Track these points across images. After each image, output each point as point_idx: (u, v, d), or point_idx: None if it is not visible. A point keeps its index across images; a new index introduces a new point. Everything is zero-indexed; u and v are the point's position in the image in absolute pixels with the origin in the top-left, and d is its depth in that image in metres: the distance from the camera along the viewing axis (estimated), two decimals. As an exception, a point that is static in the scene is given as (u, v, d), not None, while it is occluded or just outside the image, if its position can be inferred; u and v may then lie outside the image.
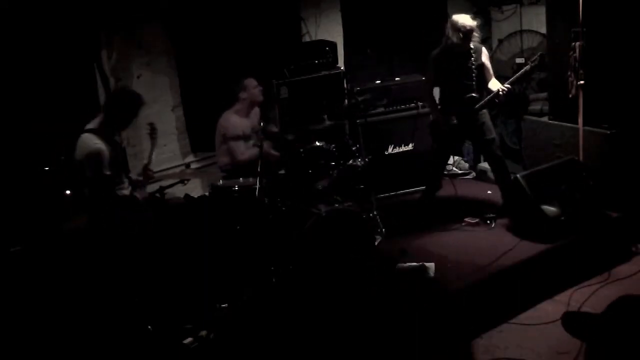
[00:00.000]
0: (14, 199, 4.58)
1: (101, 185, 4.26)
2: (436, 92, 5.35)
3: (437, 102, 5.28)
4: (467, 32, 4.87)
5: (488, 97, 4.99)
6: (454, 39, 4.92)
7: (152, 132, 4.67)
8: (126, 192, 4.53)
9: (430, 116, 5.52)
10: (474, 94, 4.99)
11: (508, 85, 4.87)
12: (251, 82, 5.42)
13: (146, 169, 4.68)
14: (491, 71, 5.11)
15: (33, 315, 4.03)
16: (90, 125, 4.35)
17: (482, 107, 5.03)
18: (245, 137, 5.40)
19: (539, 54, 4.96)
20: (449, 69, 5.01)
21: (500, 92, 4.86)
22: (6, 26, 4.78)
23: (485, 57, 5.06)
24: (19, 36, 4.86)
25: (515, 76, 4.95)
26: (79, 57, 5.27)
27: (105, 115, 4.39)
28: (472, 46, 4.96)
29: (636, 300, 3.73)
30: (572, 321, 4.04)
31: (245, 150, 5.37)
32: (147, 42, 5.70)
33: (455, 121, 5.04)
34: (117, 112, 4.39)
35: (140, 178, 4.70)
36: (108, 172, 4.27)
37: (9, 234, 4.36)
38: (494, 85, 5.00)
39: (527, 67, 4.86)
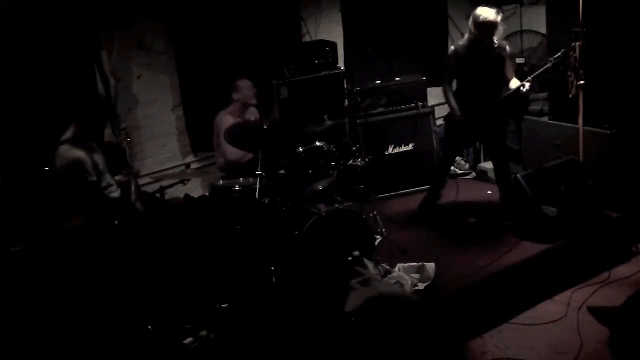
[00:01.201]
0: (14, 198, 4.58)
1: (89, 191, 4.27)
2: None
3: (454, 94, 5.15)
4: (485, 26, 4.76)
5: (509, 91, 4.91)
6: (475, 33, 4.82)
7: (125, 136, 4.70)
8: (116, 194, 4.53)
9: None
10: (493, 90, 4.94)
11: (530, 82, 4.78)
12: (243, 83, 5.41)
13: (128, 167, 4.69)
14: (512, 67, 5.02)
15: (33, 315, 4.03)
16: (65, 136, 4.37)
17: (502, 101, 4.96)
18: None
19: (562, 50, 4.93)
20: (471, 63, 4.92)
21: (523, 88, 4.78)
22: (6, 26, 4.78)
23: (507, 54, 4.96)
24: (19, 36, 4.86)
25: (538, 71, 4.89)
26: (79, 57, 5.27)
27: (78, 124, 4.40)
28: (495, 41, 4.84)
29: None
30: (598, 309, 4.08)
31: (236, 151, 5.34)
32: (147, 42, 5.70)
33: (469, 116, 4.97)
34: (86, 121, 4.41)
35: (125, 178, 4.70)
36: (94, 178, 4.30)
37: (9, 234, 4.36)
38: (514, 83, 4.90)
39: (550, 63, 4.83)
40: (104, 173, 4.49)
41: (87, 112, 4.44)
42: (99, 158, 4.48)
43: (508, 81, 4.96)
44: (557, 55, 4.86)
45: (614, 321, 3.97)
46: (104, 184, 4.47)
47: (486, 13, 4.80)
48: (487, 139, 5.43)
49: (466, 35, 4.98)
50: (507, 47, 5.01)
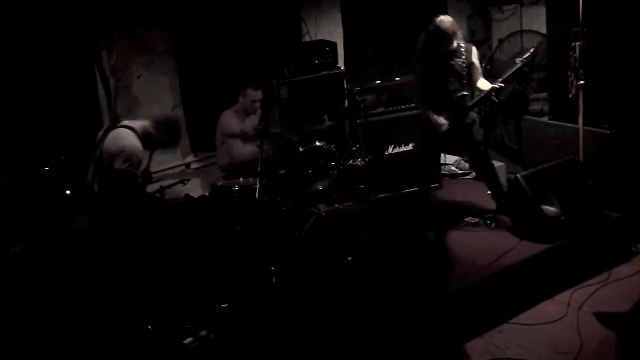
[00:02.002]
0: (14, 199, 4.58)
1: (127, 182, 4.20)
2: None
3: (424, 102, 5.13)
4: (450, 34, 4.79)
5: (480, 95, 4.94)
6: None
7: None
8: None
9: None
10: (465, 92, 4.96)
11: (501, 84, 4.80)
12: (252, 93, 5.36)
13: (145, 171, 4.65)
14: (480, 70, 5.05)
15: (33, 315, 4.03)
16: (130, 123, 4.26)
17: (475, 105, 4.99)
18: (243, 136, 5.38)
19: (531, 50, 4.94)
20: (441, 69, 4.93)
21: (494, 91, 4.80)
22: (6, 26, 4.79)
23: (475, 57, 5.00)
24: (19, 36, 4.86)
25: (507, 73, 4.88)
26: (79, 57, 5.28)
27: (151, 129, 4.30)
28: (462, 45, 4.88)
29: None
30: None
31: (243, 149, 5.35)
32: (147, 42, 5.71)
33: (447, 124, 4.96)
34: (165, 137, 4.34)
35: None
36: (139, 173, 4.24)
37: (9, 234, 4.36)
38: (484, 84, 4.93)
39: (519, 64, 4.83)
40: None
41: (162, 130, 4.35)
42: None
43: (475, 83, 4.97)
44: (525, 56, 4.85)
45: (621, 327, 3.97)
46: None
47: (447, 22, 4.82)
48: (462, 141, 5.31)
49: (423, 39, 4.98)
50: (474, 49, 5.01)
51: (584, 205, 4.89)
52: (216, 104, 5.63)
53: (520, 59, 4.87)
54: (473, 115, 5.09)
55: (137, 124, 4.28)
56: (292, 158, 4.89)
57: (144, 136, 4.23)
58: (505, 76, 4.87)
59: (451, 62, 4.89)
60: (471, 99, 5.04)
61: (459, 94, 4.95)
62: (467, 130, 5.08)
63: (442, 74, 4.93)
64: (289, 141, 5.19)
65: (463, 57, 4.88)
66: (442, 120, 4.96)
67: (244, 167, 5.15)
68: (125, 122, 4.29)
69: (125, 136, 4.17)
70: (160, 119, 4.43)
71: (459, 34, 4.91)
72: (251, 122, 5.43)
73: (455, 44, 4.85)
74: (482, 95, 4.92)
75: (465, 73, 4.91)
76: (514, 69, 4.86)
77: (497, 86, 4.80)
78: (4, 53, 4.82)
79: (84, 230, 4.32)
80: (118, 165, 4.10)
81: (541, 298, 4.46)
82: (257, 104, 5.41)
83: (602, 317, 4.17)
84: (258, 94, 5.39)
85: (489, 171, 5.23)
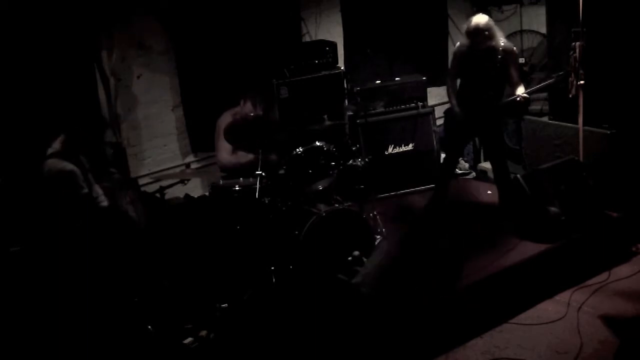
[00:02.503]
0: (14, 198, 4.57)
1: (83, 203, 4.21)
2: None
3: (457, 92, 5.13)
4: (469, 33, 4.77)
5: (506, 100, 4.90)
6: (469, 40, 4.83)
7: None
8: (105, 204, 4.47)
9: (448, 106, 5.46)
10: (490, 93, 4.92)
11: (526, 95, 4.74)
12: (253, 101, 5.33)
13: (110, 173, 4.64)
14: (515, 74, 4.88)
15: (33, 315, 4.03)
16: (51, 150, 4.24)
17: (500, 108, 4.95)
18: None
19: (565, 70, 4.95)
20: (471, 65, 4.92)
21: (519, 99, 4.74)
22: (6, 26, 4.78)
23: (512, 59, 4.87)
24: (19, 36, 4.86)
25: (537, 86, 4.97)
26: (79, 57, 5.27)
27: (68, 135, 4.27)
28: (501, 45, 4.80)
29: None
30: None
31: (229, 158, 5.35)
32: (147, 42, 5.70)
33: (468, 114, 4.98)
34: (72, 136, 4.28)
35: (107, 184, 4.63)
36: (86, 190, 4.23)
37: (9, 234, 4.36)
38: (519, 89, 4.80)
39: (552, 80, 4.89)
40: (93, 185, 4.43)
41: (73, 127, 4.30)
42: (85, 170, 4.36)
43: (513, 84, 4.86)
44: (560, 74, 4.88)
45: (627, 333, 3.97)
46: (94, 194, 4.41)
47: (470, 21, 4.81)
48: (483, 139, 5.45)
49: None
50: (514, 49, 4.93)
51: (584, 205, 4.89)
52: (216, 104, 5.63)
53: (555, 76, 4.93)
54: (497, 117, 5.06)
55: (56, 143, 4.26)
56: (292, 158, 4.88)
57: (67, 148, 4.23)
58: (533, 89, 4.91)
59: (483, 62, 4.84)
60: (499, 101, 4.97)
61: (484, 95, 4.93)
62: (489, 129, 5.08)
63: (471, 71, 4.94)
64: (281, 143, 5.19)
65: (499, 57, 4.80)
66: (458, 110, 5.00)
67: (244, 168, 5.15)
68: (49, 151, 4.25)
69: (50, 167, 4.17)
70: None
71: (497, 35, 4.81)
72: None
73: (489, 45, 4.77)
74: (507, 100, 4.90)
75: (494, 74, 4.84)
76: (544, 84, 4.93)
77: (523, 95, 4.72)
78: (4, 53, 4.82)
79: (84, 230, 4.32)
80: (62, 196, 4.17)
81: (541, 298, 4.46)
82: (252, 115, 5.40)
83: (602, 317, 4.18)
84: (254, 106, 5.37)
85: (503, 173, 5.18)
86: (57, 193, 4.20)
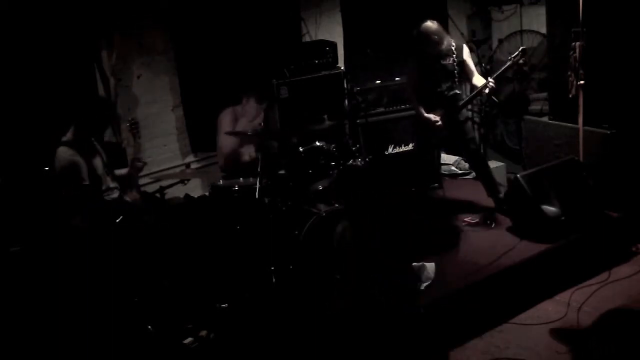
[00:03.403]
0: (14, 199, 4.58)
1: (82, 195, 4.25)
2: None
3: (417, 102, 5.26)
4: (422, 39, 5.00)
5: (473, 92, 5.06)
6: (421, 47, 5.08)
7: (133, 127, 4.60)
8: (115, 195, 4.50)
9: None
10: (457, 91, 5.09)
11: (492, 81, 4.88)
12: (252, 100, 5.39)
13: (134, 160, 4.61)
14: (472, 67, 5.16)
15: (33, 315, 4.03)
16: (64, 138, 4.33)
17: (467, 102, 5.15)
18: (239, 135, 5.37)
19: (520, 48, 5.05)
20: (429, 69, 5.08)
21: (486, 90, 4.89)
22: (6, 26, 4.78)
23: (466, 54, 5.12)
24: (19, 36, 4.86)
25: (499, 71, 5.05)
26: (79, 57, 5.27)
27: (76, 124, 4.35)
28: (453, 44, 5.04)
29: None
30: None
31: (232, 144, 5.34)
32: (147, 42, 5.70)
33: (439, 120, 5.07)
34: (86, 119, 4.36)
35: (125, 172, 4.62)
36: (86, 182, 4.27)
37: (9, 234, 4.36)
38: (478, 80, 5.03)
39: (510, 62, 4.98)
40: (103, 176, 4.46)
41: (87, 113, 4.40)
42: (98, 161, 4.43)
43: (471, 79, 5.08)
44: (515, 54, 4.98)
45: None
46: (103, 187, 4.44)
47: (422, 27, 5.04)
48: (456, 138, 5.40)
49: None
50: (465, 47, 5.16)
51: (584, 205, 4.89)
52: (216, 104, 5.63)
53: (511, 56, 5.00)
54: (465, 112, 5.26)
55: (69, 132, 4.34)
56: (292, 158, 4.89)
57: (78, 137, 4.30)
58: (496, 74, 5.02)
59: (442, 62, 5.04)
60: (463, 97, 5.15)
61: (451, 93, 5.07)
62: (460, 128, 5.20)
63: (433, 74, 5.08)
64: (288, 142, 5.20)
65: (454, 55, 5.01)
66: (433, 116, 5.10)
67: (244, 168, 5.15)
68: (62, 138, 4.34)
69: (58, 156, 4.26)
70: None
71: (447, 35, 5.10)
72: (252, 123, 5.42)
73: (445, 45, 5.01)
74: (474, 92, 5.05)
75: (456, 72, 5.04)
76: (505, 66, 5.02)
77: (490, 83, 4.87)
78: (4, 53, 4.82)
79: (84, 230, 4.32)
80: (66, 186, 4.25)
81: (541, 298, 4.46)
82: (252, 114, 5.41)
83: (602, 317, 4.17)
84: (255, 107, 5.40)
85: (482, 168, 5.34)
86: (61, 181, 4.25)
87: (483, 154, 5.38)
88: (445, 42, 5.03)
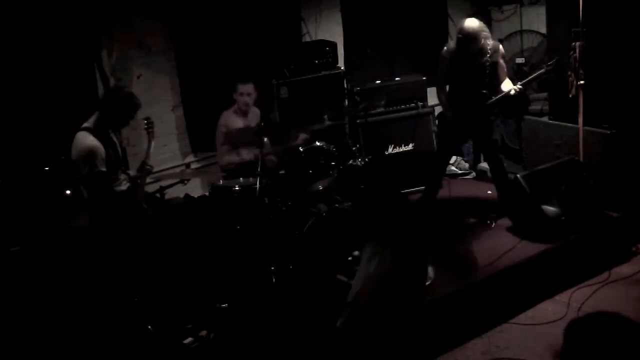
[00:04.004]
0: (14, 199, 4.58)
1: (96, 181, 4.26)
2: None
3: (447, 96, 5.21)
4: (462, 39, 4.82)
5: (500, 95, 4.94)
6: (461, 43, 4.89)
7: (149, 126, 4.65)
8: (123, 188, 4.53)
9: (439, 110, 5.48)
10: (485, 91, 4.95)
11: (520, 86, 4.83)
12: (242, 88, 5.36)
13: (144, 163, 4.64)
14: (505, 70, 5.05)
15: (33, 315, 4.03)
16: (86, 124, 4.36)
17: (494, 104, 5.00)
18: (240, 137, 5.37)
19: (555, 58, 4.97)
20: (462, 66, 4.96)
21: (512, 92, 4.82)
22: (6, 26, 4.78)
23: (500, 55, 4.99)
24: (19, 36, 4.86)
25: (529, 77, 4.96)
26: (79, 57, 5.27)
27: (100, 113, 4.39)
28: (489, 43, 4.88)
29: None
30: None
31: (229, 156, 5.35)
32: (147, 42, 5.71)
33: (460, 117, 5.01)
34: (111, 111, 4.39)
35: (137, 174, 4.65)
36: (103, 169, 4.29)
37: (9, 234, 4.36)
38: (506, 85, 4.94)
39: (543, 70, 4.89)
40: (116, 166, 4.48)
41: (114, 105, 4.41)
42: (113, 151, 4.45)
43: (501, 82, 4.97)
44: (550, 63, 4.90)
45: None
46: (113, 177, 4.45)
47: (463, 25, 4.85)
48: (478, 140, 5.47)
49: (454, 40, 5.01)
50: (501, 48, 5.03)
51: (584, 205, 4.89)
52: (216, 104, 5.63)
53: (545, 65, 4.92)
54: (491, 114, 5.11)
55: (92, 119, 4.38)
56: (292, 158, 4.89)
57: (99, 126, 4.33)
58: (525, 80, 4.93)
59: (475, 62, 4.89)
60: (491, 98, 5.00)
61: (479, 93, 4.94)
62: (484, 129, 5.10)
63: (464, 73, 4.96)
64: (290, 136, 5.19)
65: (488, 55, 4.87)
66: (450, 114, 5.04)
67: (244, 168, 5.15)
68: (84, 124, 4.36)
69: (77, 140, 4.29)
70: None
71: (486, 33, 4.89)
72: (250, 122, 5.43)
73: (481, 43, 4.84)
74: (499, 96, 4.94)
75: (487, 72, 4.90)
76: (536, 74, 4.93)
77: (516, 88, 4.81)
78: (4, 53, 4.82)
79: (84, 230, 4.33)
80: (82, 171, 4.26)
81: (541, 298, 4.46)
82: (248, 98, 5.38)
83: (603, 317, 4.16)
84: (248, 87, 5.37)
85: (499, 170, 5.22)
86: (77, 165, 4.28)
87: (501, 158, 5.29)
88: (482, 42, 4.85)
